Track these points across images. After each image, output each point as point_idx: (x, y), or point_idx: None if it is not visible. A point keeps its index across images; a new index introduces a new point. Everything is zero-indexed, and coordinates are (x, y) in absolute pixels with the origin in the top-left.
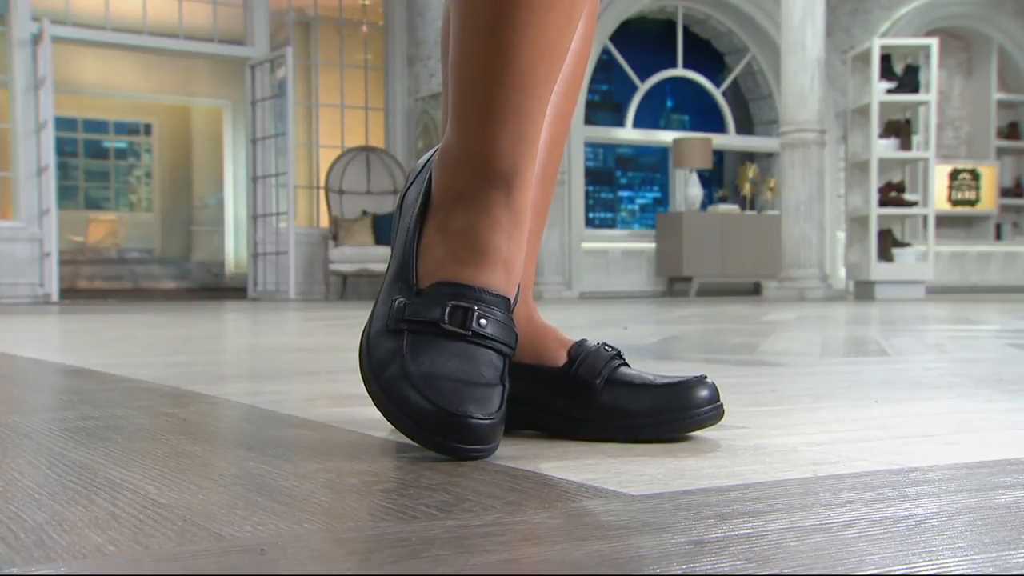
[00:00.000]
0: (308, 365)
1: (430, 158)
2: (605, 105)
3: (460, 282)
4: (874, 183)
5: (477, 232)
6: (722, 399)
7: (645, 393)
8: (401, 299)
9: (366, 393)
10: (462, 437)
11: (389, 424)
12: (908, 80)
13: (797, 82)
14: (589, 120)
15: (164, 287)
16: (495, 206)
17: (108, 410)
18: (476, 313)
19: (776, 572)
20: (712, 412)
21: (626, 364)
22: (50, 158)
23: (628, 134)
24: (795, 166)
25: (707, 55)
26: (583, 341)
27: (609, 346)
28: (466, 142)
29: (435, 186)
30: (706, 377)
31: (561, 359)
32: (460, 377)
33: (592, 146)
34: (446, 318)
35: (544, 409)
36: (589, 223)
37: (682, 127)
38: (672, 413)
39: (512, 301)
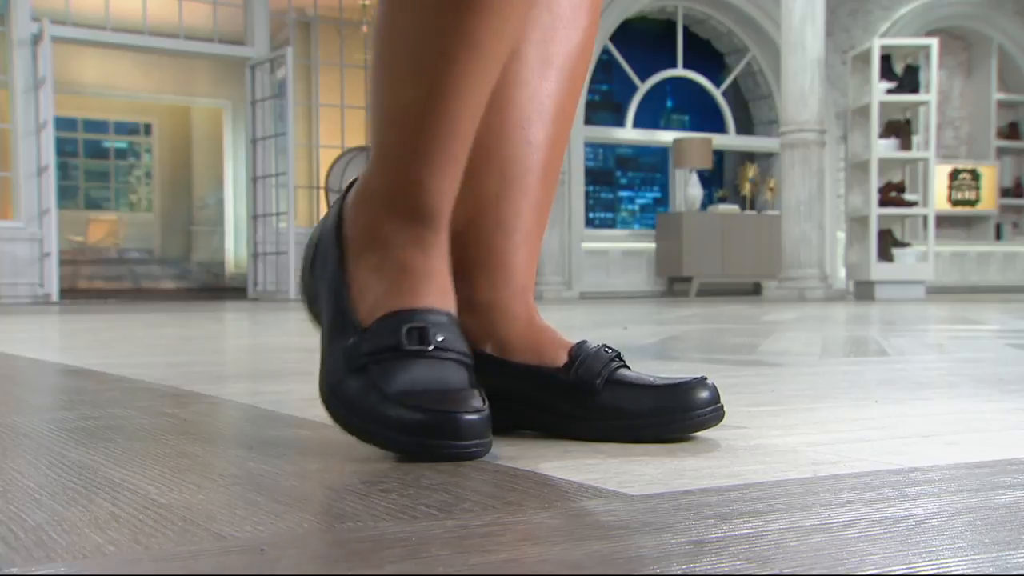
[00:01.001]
0: (308, 365)
1: (339, 201)
2: (605, 105)
3: (405, 308)
4: (874, 183)
5: (413, 265)
6: (722, 400)
7: (645, 394)
8: (351, 340)
9: (355, 440)
10: (458, 434)
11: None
12: (908, 80)
13: (797, 82)
14: (589, 120)
15: (164, 287)
16: (426, 240)
17: (108, 410)
18: (432, 330)
19: (776, 572)
20: (713, 413)
21: (626, 366)
22: (50, 158)
23: (628, 134)
24: (795, 166)
25: (707, 55)
26: (583, 342)
27: (609, 348)
28: (393, 181)
29: (354, 228)
30: (706, 378)
31: (561, 360)
32: (437, 387)
33: (592, 146)
34: (404, 340)
35: (544, 409)
36: (589, 223)
37: (682, 127)
38: (672, 414)
39: (454, 316)
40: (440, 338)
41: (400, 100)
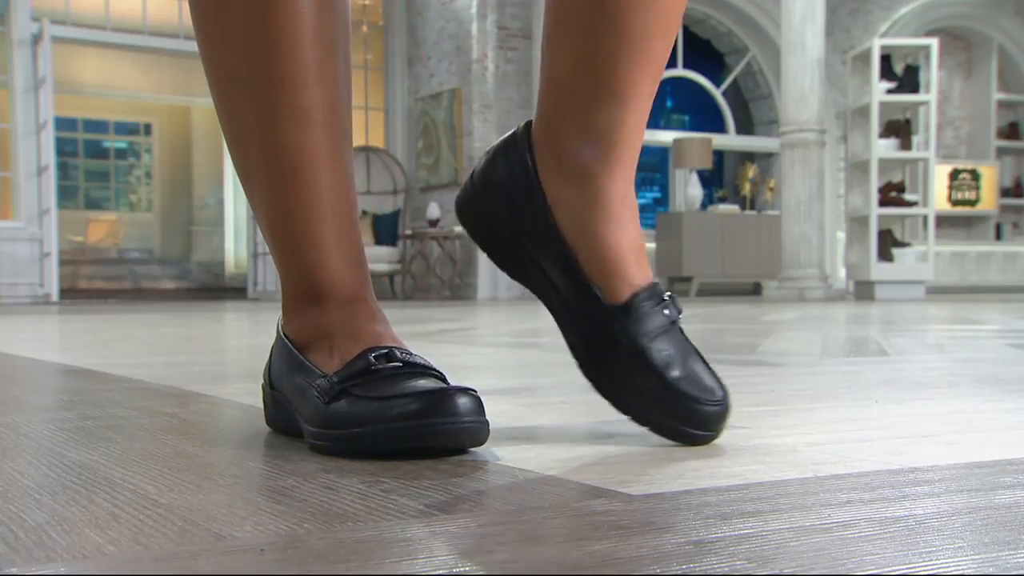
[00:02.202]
0: None
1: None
2: None
3: (365, 348)
4: (874, 183)
5: (358, 334)
6: (721, 428)
7: (653, 391)
8: (320, 381)
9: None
10: (455, 410)
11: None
12: (908, 80)
13: (797, 82)
14: None
15: (164, 287)
16: (357, 312)
17: (108, 410)
18: (399, 351)
19: (776, 572)
20: (708, 436)
21: (681, 332)
22: (50, 158)
23: None
24: (795, 166)
25: (707, 55)
26: (653, 287)
27: (675, 307)
28: (299, 278)
29: (295, 333)
30: (725, 398)
31: (621, 296)
32: (422, 384)
33: None
34: (375, 364)
35: (568, 329)
36: None
37: (682, 127)
38: (667, 423)
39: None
40: (408, 358)
41: (268, 201)
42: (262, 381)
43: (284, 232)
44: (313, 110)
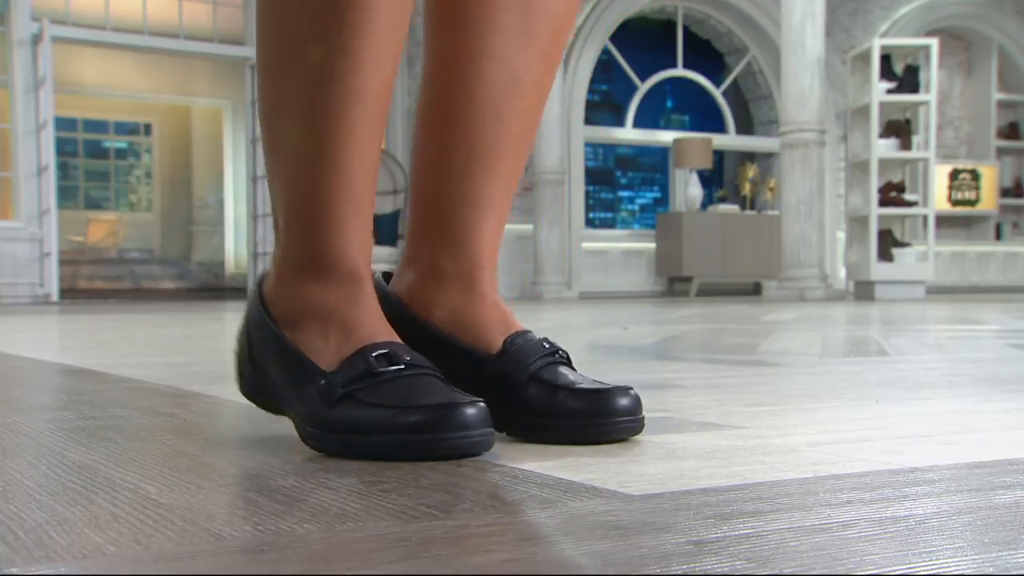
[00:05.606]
0: None
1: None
2: (605, 105)
3: (365, 345)
4: (874, 183)
5: (355, 320)
6: (643, 412)
7: (566, 396)
8: (321, 382)
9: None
10: (464, 424)
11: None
12: (908, 80)
13: (797, 82)
14: (589, 120)
15: (164, 287)
16: (355, 294)
17: (108, 410)
18: (398, 352)
19: (776, 572)
20: (630, 424)
21: (566, 363)
22: (50, 158)
23: (628, 134)
24: (795, 166)
25: (707, 55)
26: (522, 333)
27: (550, 342)
28: (306, 250)
29: (283, 306)
30: (630, 388)
31: (496, 346)
32: (426, 392)
33: (592, 146)
34: (376, 365)
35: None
36: (589, 223)
37: (682, 127)
38: (591, 418)
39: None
40: (408, 358)
41: (297, 171)
42: (236, 347)
43: (303, 202)
44: (366, 89)
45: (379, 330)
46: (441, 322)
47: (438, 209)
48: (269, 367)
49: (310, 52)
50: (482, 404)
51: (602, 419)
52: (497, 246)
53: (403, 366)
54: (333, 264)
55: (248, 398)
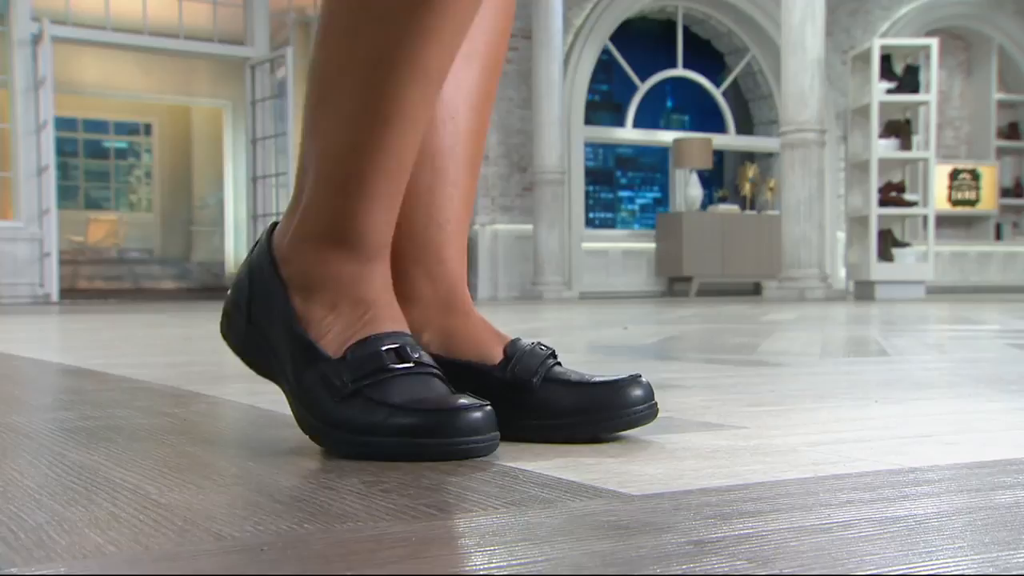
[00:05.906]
0: None
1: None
2: (605, 105)
3: (374, 334)
4: (874, 183)
5: (367, 298)
6: (656, 399)
7: (580, 391)
8: (326, 371)
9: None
10: (472, 429)
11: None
12: (908, 80)
13: (797, 82)
14: (589, 120)
15: (164, 287)
16: (373, 273)
17: (108, 410)
18: (409, 348)
19: (776, 572)
20: (646, 411)
21: (559, 364)
22: (50, 158)
23: (628, 134)
24: (795, 166)
25: (707, 55)
26: (517, 340)
27: (544, 345)
28: (335, 219)
29: (296, 269)
30: (640, 376)
31: (497, 356)
32: (435, 394)
33: (592, 146)
34: (386, 360)
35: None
36: (589, 223)
37: (682, 127)
38: (607, 411)
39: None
40: (416, 355)
41: (344, 137)
42: (230, 294)
43: (344, 172)
44: (432, 69)
45: (391, 314)
46: (433, 344)
47: (408, 235)
48: (270, 333)
49: (386, 22)
50: (489, 408)
51: (623, 409)
52: (465, 259)
53: (412, 364)
54: (359, 237)
55: (232, 348)
